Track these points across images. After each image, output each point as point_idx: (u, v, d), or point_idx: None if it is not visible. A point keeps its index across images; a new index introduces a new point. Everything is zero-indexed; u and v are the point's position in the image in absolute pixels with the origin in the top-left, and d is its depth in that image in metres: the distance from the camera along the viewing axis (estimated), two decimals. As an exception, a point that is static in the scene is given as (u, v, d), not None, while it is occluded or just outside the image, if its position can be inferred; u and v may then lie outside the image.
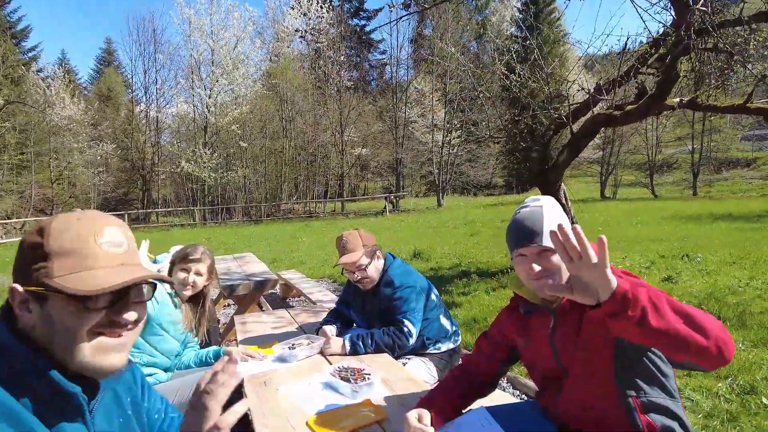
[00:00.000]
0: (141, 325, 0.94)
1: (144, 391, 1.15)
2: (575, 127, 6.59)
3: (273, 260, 11.35)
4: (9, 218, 26.03)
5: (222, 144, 27.63)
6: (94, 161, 31.98)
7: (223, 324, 5.80)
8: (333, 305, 3.26)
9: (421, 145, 30.71)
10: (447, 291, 6.49)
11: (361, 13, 40.03)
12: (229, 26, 25.81)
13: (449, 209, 25.34)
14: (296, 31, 30.63)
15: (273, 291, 7.93)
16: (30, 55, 37.31)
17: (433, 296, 2.65)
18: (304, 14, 29.87)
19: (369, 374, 1.93)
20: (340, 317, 2.80)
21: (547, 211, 1.37)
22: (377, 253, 2.58)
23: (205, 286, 2.42)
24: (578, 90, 6.65)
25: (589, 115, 6.60)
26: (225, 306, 7.01)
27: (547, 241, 1.32)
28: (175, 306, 2.31)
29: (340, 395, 1.84)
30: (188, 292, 2.33)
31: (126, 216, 24.60)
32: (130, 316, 0.89)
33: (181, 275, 2.30)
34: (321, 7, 29.39)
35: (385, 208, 24.94)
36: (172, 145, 31.22)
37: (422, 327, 2.55)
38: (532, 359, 1.55)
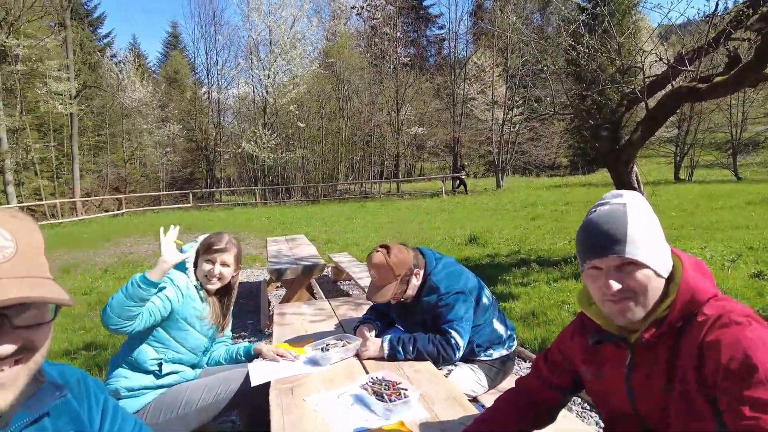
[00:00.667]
0: (37, 354, 0.74)
1: (107, 416, 0.98)
2: (651, 102, 5.95)
3: (327, 241, 11.36)
4: (89, 196, 27.87)
5: (281, 124, 28.03)
6: (162, 142, 33.51)
7: (273, 307, 5.78)
8: None
9: (480, 124, 29.74)
10: (504, 281, 6.13)
11: (420, -13, 39.04)
12: (287, 5, 25.86)
13: (509, 191, 24.48)
14: (352, 8, 30.28)
15: (325, 273, 7.89)
16: (105, 41, 39.50)
17: (484, 299, 2.34)
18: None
19: (406, 390, 1.69)
20: (381, 315, 2.56)
21: (632, 212, 1.06)
22: (414, 271, 2.27)
23: (232, 277, 2.26)
24: (655, 61, 5.96)
25: (668, 89, 5.92)
26: (277, 287, 7.02)
27: (631, 252, 1.02)
28: (202, 300, 2.16)
29: (371, 413, 1.62)
30: (215, 285, 2.18)
31: (190, 195, 25.68)
32: (6, 347, 0.68)
33: (207, 267, 2.15)
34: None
35: (461, 184, 24.35)
36: (233, 126, 32.12)
37: (472, 333, 2.27)
38: (601, 395, 1.24)
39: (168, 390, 2.08)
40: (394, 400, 1.62)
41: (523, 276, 6.28)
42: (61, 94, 21.73)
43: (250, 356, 2.29)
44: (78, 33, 29.20)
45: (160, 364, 2.05)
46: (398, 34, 29.03)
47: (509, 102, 26.03)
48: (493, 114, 27.04)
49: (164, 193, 30.15)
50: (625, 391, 1.13)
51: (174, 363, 2.11)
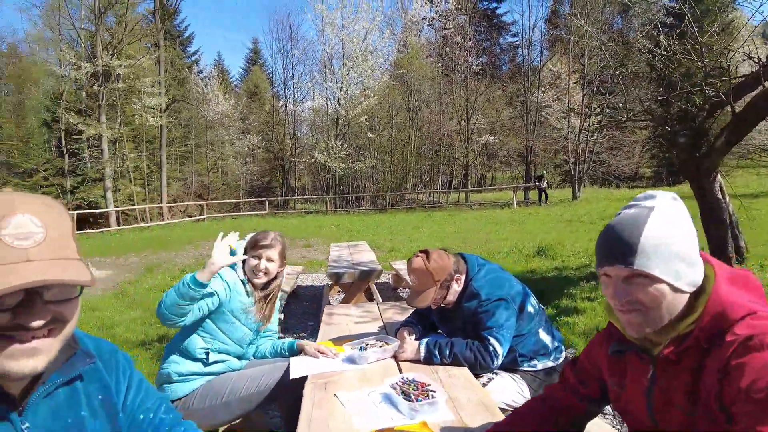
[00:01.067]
0: (67, 326, 0.83)
1: (131, 387, 1.08)
2: (737, 106, 5.46)
3: (392, 249, 11.45)
4: (175, 202, 30.06)
5: (352, 135, 28.72)
6: (242, 152, 35.47)
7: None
8: None
9: (555, 132, 28.72)
10: (570, 294, 5.86)
11: (492, -5, 38.60)
12: (359, 18, 26.57)
13: (586, 202, 23.37)
14: (423, 19, 30.53)
15: (386, 280, 7.96)
16: (192, 58, 42.62)
17: (529, 307, 2.27)
18: (431, 1, 29.59)
19: (434, 391, 1.68)
20: (423, 320, 2.55)
21: (654, 219, 0.97)
22: (455, 276, 2.25)
23: (278, 272, 2.36)
24: (743, 60, 5.47)
25: (758, 90, 5.41)
26: (339, 291, 7.19)
27: (641, 263, 0.95)
28: (248, 294, 2.28)
29: (397, 411, 1.62)
30: (261, 279, 2.29)
31: (267, 203, 26.92)
32: (37, 321, 0.77)
33: (253, 262, 2.27)
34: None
35: (541, 196, 23.64)
36: (307, 137, 33.34)
37: (514, 343, 2.20)
38: (623, 407, 1.17)
39: (215, 378, 2.21)
40: (421, 401, 1.62)
41: (591, 291, 5.97)
42: (153, 108, 23.74)
43: (294, 352, 2.38)
44: (169, 52, 31.78)
45: (207, 353, 2.19)
46: (469, 43, 28.84)
47: (586, 109, 24.93)
48: (569, 122, 26.00)
49: (243, 200, 31.83)
50: (645, 405, 1.06)
51: (220, 353, 2.23)
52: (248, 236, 2.42)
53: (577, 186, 25.10)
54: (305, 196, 34.43)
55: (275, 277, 2.38)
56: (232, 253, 2.24)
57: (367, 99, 27.19)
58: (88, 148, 25.21)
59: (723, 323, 0.92)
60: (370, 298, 5.89)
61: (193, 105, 32.34)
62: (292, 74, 33.30)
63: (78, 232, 18.92)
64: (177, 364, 2.18)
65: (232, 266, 2.29)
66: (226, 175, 37.38)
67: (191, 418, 2.12)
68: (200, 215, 25.08)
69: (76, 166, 26.72)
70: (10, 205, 0.79)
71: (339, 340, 2.48)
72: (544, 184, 23.79)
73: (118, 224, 22.21)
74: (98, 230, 20.22)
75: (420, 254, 2.28)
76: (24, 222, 0.78)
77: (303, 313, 6.07)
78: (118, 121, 24.24)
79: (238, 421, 2.35)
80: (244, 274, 2.30)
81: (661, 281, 0.95)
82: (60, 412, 0.92)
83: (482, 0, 37.80)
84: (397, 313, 3.04)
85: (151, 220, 24.23)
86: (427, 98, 29.97)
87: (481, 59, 32.80)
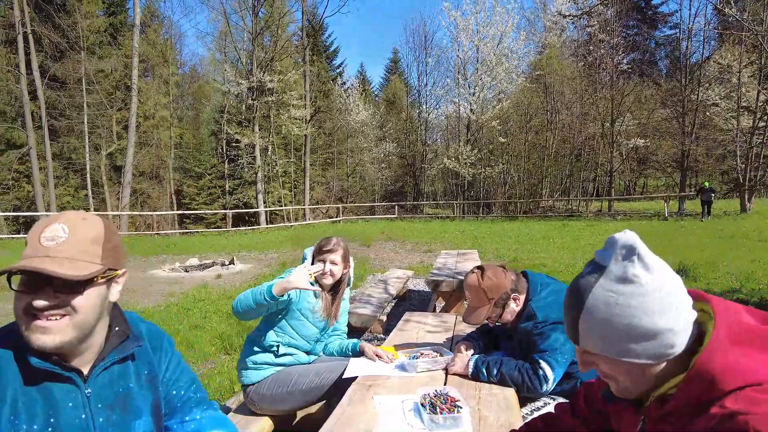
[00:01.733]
0: (79, 314, 1.02)
1: (170, 366, 1.31)
2: None
3: (513, 259, 11.09)
4: (317, 204, 32.59)
5: (483, 140, 28.31)
6: (378, 158, 37.12)
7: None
8: None
9: (720, 134, 25.01)
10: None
11: (648, -16, 34.87)
12: (494, 23, 26.10)
13: (757, 215, 20.01)
14: (564, 17, 28.84)
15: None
16: (337, 71, 45.65)
17: None
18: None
19: (461, 408, 1.68)
20: (486, 336, 2.51)
21: (596, 297, 0.86)
22: (512, 295, 2.18)
23: (343, 274, 2.52)
24: None
25: None
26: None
27: (585, 342, 0.88)
28: (315, 295, 2.47)
29: (420, 421, 1.66)
30: (328, 281, 2.47)
31: (397, 207, 27.80)
32: (40, 302, 0.97)
33: (319, 266, 2.46)
34: (594, -13, 26.85)
35: (704, 210, 20.29)
36: (437, 144, 33.67)
37: (577, 369, 2.07)
38: None
39: (283, 369, 2.44)
40: (444, 414, 1.64)
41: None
42: (298, 119, 26.10)
43: (356, 352, 2.52)
44: (316, 65, 34.57)
45: (278, 346, 2.43)
46: (617, 39, 26.49)
47: (762, 105, 21.28)
48: (738, 122, 22.43)
49: (377, 204, 33.28)
50: None
51: (290, 346, 2.46)
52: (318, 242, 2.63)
53: (746, 196, 21.57)
54: (435, 201, 34.76)
55: (341, 280, 2.55)
56: (303, 259, 2.45)
57: (501, 103, 26.56)
58: (245, 155, 28.61)
59: (711, 391, 0.78)
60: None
61: (336, 115, 34.71)
62: (426, 82, 33.92)
63: (233, 229, 21.56)
64: (253, 354, 2.47)
65: None
66: (363, 180, 39.41)
67: (262, 402, 2.41)
68: (337, 217, 26.85)
69: (234, 171, 30.48)
70: (55, 217, 1.06)
71: (401, 347, 2.55)
72: (710, 197, 20.11)
73: (267, 223, 24.80)
74: (250, 228, 22.79)
75: (475, 270, 2.26)
76: (56, 228, 1.03)
77: (408, 317, 6.22)
78: (269, 130, 27.09)
79: (314, 408, 2.59)
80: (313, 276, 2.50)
81: (612, 359, 0.86)
82: (114, 383, 1.15)
83: (635, -9, 34.47)
84: (471, 327, 3.00)
85: (295, 220, 26.62)
86: (568, 100, 28.22)
87: (631, 56, 29.96)
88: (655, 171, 34.95)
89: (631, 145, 27.28)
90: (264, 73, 23.62)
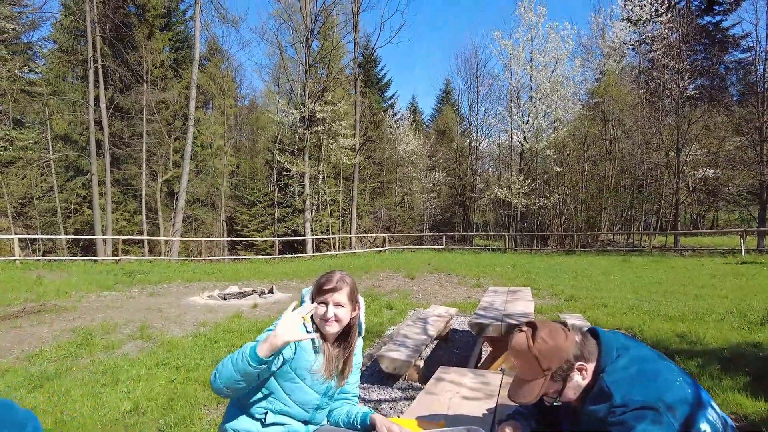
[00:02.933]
0: None
1: None
2: None
3: (570, 298, 10.11)
4: (366, 233, 32.35)
5: (537, 169, 27.24)
6: (427, 188, 36.64)
7: (480, 365, 5.24)
8: None
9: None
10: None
11: (715, 8, 32.94)
12: (548, 50, 25.36)
13: None
14: (624, 43, 27.68)
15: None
16: (389, 102, 46.05)
17: (703, 425, 1.42)
18: (634, 23, 26.69)
19: None
20: (542, 413, 1.86)
21: None
22: (577, 365, 1.56)
23: (352, 319, 1.97)
24: None
25: None
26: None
27: None
28: (315, 351, 1.91)
29: None
30: (333, 329, 1.90)
31: (444, 237, 27.02)
32: None
33: (320, 310, 1.90)
34: (656, 12, 25.65)
35: None
36: (488, 172, 32.79)
37: None
38: None
39: (271, 443, 1.88)
40: None
41: None
42: (348, 148, 26.16)
43: (366, 426, 1.93)
44: (368, 97, 34.92)
45: (266, 413, 1.88)
46: (683, 64, 25.00)
47: None
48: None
49: (425, 234, 32.60)
50: None
51: (281, 414, 1.90)
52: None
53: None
54: (485, 233, 33.67)
55: (349, 326, 1.99)
56: (306, 329, 1.89)
57: (556, 131, 25.52)
58: (295, 183, 28.92)
59: None
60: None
61: (386, 145, 34.76)
62: (477, 110, 33.39)
63: (279, 256, 21.53)
64: (235, 420, 1.93)
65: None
66: (411, 209, 38.96)
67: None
68: (382, 246, 26.37)
69: (284, 199, 30.83)
70: None
71: (425, 420, 1.94)
72: None
73: (314, 251, 24.67)
74: (297, 255, 22.69)
75: (525, 329, 1.63)
76: None
77: (447, 363, 5.51)
78: (320, 159, 27.30)
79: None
80: (313, 324, 1.95)
81: None
82: None
83: (703, 15, 32.72)
84: (519, 394, 2.34)
85: (342, 248, 26.37)
86: (629, 128, 26.76)
87: (697, 82, 28.21)
88: (726, 204, 32.36)
89: (699, 176, 25.35)
90: (315, 103, 23.95)
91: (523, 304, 5.33)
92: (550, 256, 22.11)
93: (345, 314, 1.91)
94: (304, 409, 1.93)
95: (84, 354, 5.86)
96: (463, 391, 2.34)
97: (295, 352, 1.87)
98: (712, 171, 24.81)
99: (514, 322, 4.33)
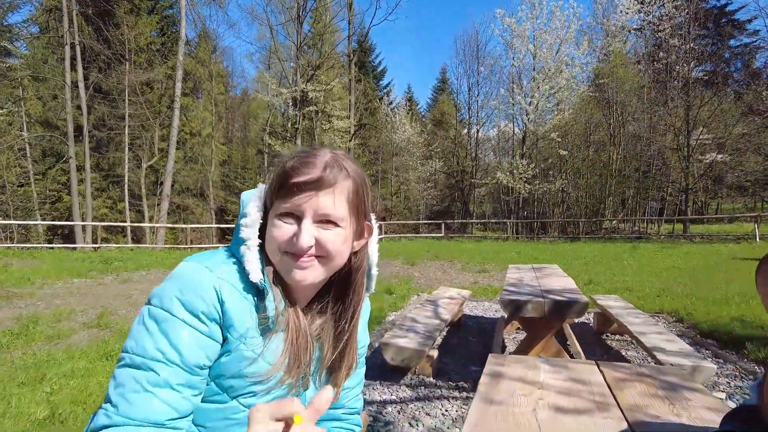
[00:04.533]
0: None
1: None
2: None
3: (588, 282, 9.17)
4: (360, 224, 31.25)
5: (540, 154, 26.23)
6: (424, 177, 35.59)
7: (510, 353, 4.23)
8: (680, 359, 2.32)
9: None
10: None
11: (722, -9, 31.98)
12: (552, 29, 24.24)
13: None
14: (628, 29, 26.70)
15: (585, 320, 5.91)
16: (384, 90, 44.86)
17: None
18: (641, 3, 25.62)
19: None
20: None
21: None
22: None
23: (354, 257, 0.95)
24: None
25: None
26: (518, 329, 5.42)
27: None
28: (267, 325, 0.85)
29: None
30: (311, 275, 0.83)
31: (443, 225, 26.00)
32: None
33: (283, 229, 0.82)
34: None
35: None
36: (489, 158, 31.75)
37: None
38: None
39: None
40: None
41: None
42: (342, 131, 25.00)
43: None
44: (363, 83, 33.78)
45: None
46: (690, 45, 23.99)
47: None
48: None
49: (422, 222, 31.59)
50: None
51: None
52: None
53: None
54: (483, 220, 32.74)
55: (348, 274, 0.93)
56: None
57: (561, 113, 24.45)
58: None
59: None
60: (564, 347, 4.05)
61: (381, 131, 33.64)
62: (477, 93, 32.22)
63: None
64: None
65: (235, 253, 0.90)
66: (408, 200, 37.96)
67: None
68: (378, 235, 25.34)
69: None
70: None
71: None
72: None
73: (308, 241, 23.58)
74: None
75: None
76: None
77: (466, 353, 4.50)
78: (313, 145, 26.15)
79: None
80: (263, 262, 0.88)
81: None
82: None
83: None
84: (652, 397, 1.31)
85: (334, 239, 25.27)
86: (634, 110, 25.74)
87: (704, 66, 27.24)
88: (730, 191, 31.55)
89: (708, 161, 24.44)
90: (307, 83, 22.77)
91: (560, 280, 4.31)
92: (554, 243, 21.14)
93: (339, 242, 0.84)
94: None
95: (18, 345, 4.78)
96: (550, 397, 1.30)
97: (232, 337, 0.82)
98: (721, 156, 23.92)
99: (561, 299, 3.30)
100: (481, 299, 7.53)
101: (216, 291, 0.80)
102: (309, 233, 0.81)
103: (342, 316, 0.92)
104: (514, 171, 24.66)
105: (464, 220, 29.45)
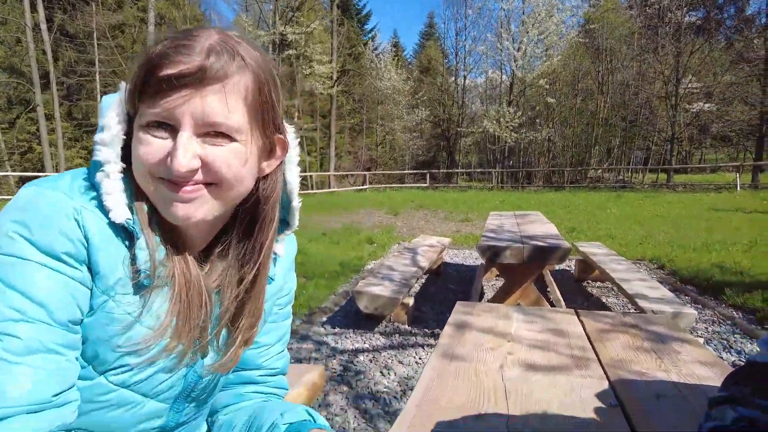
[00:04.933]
0: None
1: None
2: None
3: (572, 229, 9.12)
4: (345, 174, 30.98)
5: (527, 102, 25.75)
6: (409, 127, 34.92)
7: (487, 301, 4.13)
8: (662, 306, 2.35)
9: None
10: None
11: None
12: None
13: None
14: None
15: (566, 267, 5.84)
16: (369, 35, 43.25)
17: None
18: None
19: None
20: None
21: None
22: None
23: (261, 183, 0.69)
24: None
25: None
26: (497, 276, 5.34)
27: None
28: (142, 281, 0.62)
29: None
30: (195, 210, 0.60)
31: (428, 175, 25.76)
32: None
33: (150, 144, 0.58)
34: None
35: None
36: (474, 104, 31.15)
37: None
38: None
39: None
40: None
41: None
42: (323, 76, 24.09)
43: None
44: (346, 26, 32.35)
45: None
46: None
47: None
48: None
49: (407, 172, 31.32)
50: None
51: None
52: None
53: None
54: (469, 170, 32.57)
55: (255, 205, 0.69)
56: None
57: (550, 59, 23.79)
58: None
59: None
60: (544, 295, 3.94)
61: (366, 78, 32.60)
62: (465, 38, 31.15)
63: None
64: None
65: (91, 181, 0.64)
66: (393, 150, 37.47)
67: None
68: (362, 185, 25.15)
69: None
70: None
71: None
72: None
73: (291, 191, 23.29)
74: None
75: None
76: None
77: (443, 301, 4.39)
78: (293, 92, 25.31)
79: None
80: (129, 207, 0.64)
81: None
82: None
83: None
84: (636, 351, 1.14)
85: (321, 188, 25.04)
86: (624, 58, 25.17)
87: (697, 13, 26.51)
88: (715, 141, 31.64)
89: (695, 110, 24.25)
90: (286, 25, 21.67)
91: (542, 226, 4.16)
92: (538, 192, 21.13)
93: (236, 164, 0.60)
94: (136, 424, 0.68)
95: None
96: (521, 352, 1.12)
97: (95, 281, 0.59)
98: (708, 105, 23.73)
99: (541, 244, 3.14)
100: (462, 247, 7.44)
101: (78, 223, 0.57)
102: (189, 151, 0.56)
103: (246, 260, 0.70)
104: (501, 119, 24.26)
105: (450, 170, 29.24)
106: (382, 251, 7.02)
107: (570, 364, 1.05)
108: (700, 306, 4.14)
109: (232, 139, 0.59)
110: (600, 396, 0.90)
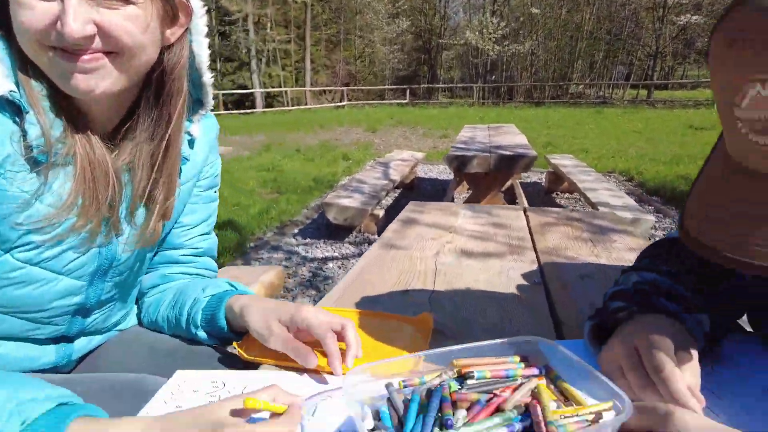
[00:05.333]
0: None
1: None
2: None
3: (547, 144, 9.17)
4: (323, 89, 29.92)
5: (511, 12, 24.68)
6: (390, 38, 33.39)
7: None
8: (622, 213, 2.24)
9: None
10: None
11: None
12: None
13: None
14: None
15: (538, 180, 5.92)
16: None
17: None
18: None
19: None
20: (704, 281, 0.65)
21: None
22: None
23: (166, 51, 0.65)
24: None
25: None
26: (468, 190, 5.40)
27: None
28: (37, 158, 0.59)
29: None
30: (98, 81, 0.57)
31: (408, 91, 25.11)
32: None
33: (32, 8, 0.52)
34: None
35: None
36: (457, 14, 29.89)
37: None
38: None
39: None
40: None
41: None
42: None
43: (219, 328, 0.71)
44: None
45: None
46: None
47: None
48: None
49: (386, 87, 30.45)
50: None
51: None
52: None
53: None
54: (451, 84, 31.76)
55: (162, 74, 0.65)
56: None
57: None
58: (239, 31, 25.36)
59: None
60: (512, 203, 4.01)
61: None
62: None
63: (225, 112, 19.60)
64: None
65: None
66: (373, 64, 36.03)
67: None
68: (340, 101, 24.45)
69: (228, 50, 27.38)
70: None
71: (375, 316, 0.73)
72: None
73: (264, 107, 22.56)
74: (245, 111, 20.68)
75: None
76: None
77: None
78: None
79: None
80: (17, 84, 0.57)
81: None
82: None
83: None
84: (572, 240, 1.19)
85: (297, 104, 24.29)
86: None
87: None
88: (699, 57, 31.15)
89: (682, 23, 23.60)
90: None
91: (513, 138, 4.15)
92: (519, 108, 20.88)
93: (135, 29, 0.56)
94: (36, 320, 0.68)
95: None
96: (460, 241, 1.15)
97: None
98: (696, 17, 23.06)
99: (508, 153, 3.15)
100: (438, 163, 7.44)
101: None
102: (80, 14, 0.51)
103: (155, 135, 0.67)
104: (484, 30, 23.34)
105: (431, 85, 28.51)
106: (357, 167, 6.99)
107: (505, 251, 1.08)
108: (661, 215, 4.28)
109: (127, 1, 0.54)
110: (526, 276, 0.93)
